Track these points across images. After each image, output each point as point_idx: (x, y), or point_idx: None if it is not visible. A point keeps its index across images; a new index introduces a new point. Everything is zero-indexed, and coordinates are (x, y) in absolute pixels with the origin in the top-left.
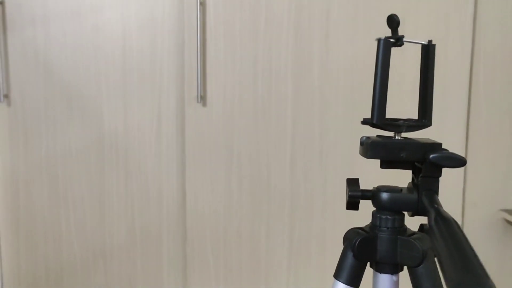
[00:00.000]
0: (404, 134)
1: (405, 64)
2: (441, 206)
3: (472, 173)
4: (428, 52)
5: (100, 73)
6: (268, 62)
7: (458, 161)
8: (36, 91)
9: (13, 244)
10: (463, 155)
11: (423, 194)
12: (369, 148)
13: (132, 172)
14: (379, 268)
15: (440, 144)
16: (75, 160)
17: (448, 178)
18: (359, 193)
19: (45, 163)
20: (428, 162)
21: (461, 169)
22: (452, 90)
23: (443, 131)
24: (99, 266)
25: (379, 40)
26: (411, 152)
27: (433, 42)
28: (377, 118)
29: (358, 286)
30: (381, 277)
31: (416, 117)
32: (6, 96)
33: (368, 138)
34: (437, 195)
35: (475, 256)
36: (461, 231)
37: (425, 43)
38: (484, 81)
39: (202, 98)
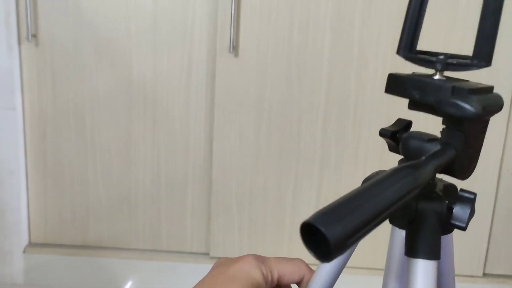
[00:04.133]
0: (450, 74)
1: None
2: (430, 164)
3: None
4: None
5: (130, 18)
6: (306, 12)
7: (461, 110)
8: (64, 32)
9: (40, 186)
10: (504, 122)
11: (439, 146)
12: (386, 82)
13: (159, 120)
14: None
15: (472, 88)
16: (102, 106)
17: (488, 143)
18: (389, 132)
19: (73, 107)
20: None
21: (502, 135)
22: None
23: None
24: (124, 213)
25: None
26: (424, 93)
27: None
28: (402, 49)
29: None
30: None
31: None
32: (34, 36)
33: (394, 73)
34: (456, 151)
35: (346, 199)
36: (386, 181)
37: None
38: None
39: (235, 49)
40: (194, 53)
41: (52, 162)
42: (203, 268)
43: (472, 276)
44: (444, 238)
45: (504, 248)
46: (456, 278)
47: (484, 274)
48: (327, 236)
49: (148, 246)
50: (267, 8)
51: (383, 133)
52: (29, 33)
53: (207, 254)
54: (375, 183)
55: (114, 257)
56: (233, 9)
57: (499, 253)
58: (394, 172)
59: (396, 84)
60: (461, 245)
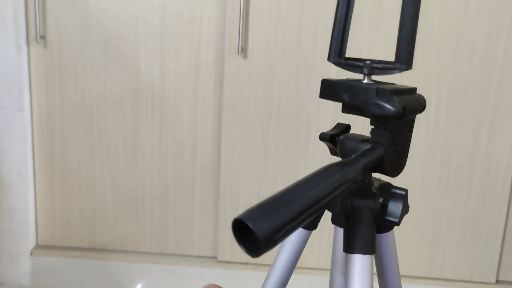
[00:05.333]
0: (378, 78)
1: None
2: (359, 161)
3: None
4: None
5: (138, 18)
6: (315, 13)
7: (383, 109)
8: (72, 33)
9: (48, 188)
10: None
11: (368, 145)
12: (320, 87)
13: (167, 121)
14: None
15: (395, 90)
16: (110, 106)
17: (500, 147)
18: (328, 136)
19: (80, 108)
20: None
21: None
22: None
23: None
24: (131, 215)
25: None
26: (352, 96)
27: None
28: (332, 55)
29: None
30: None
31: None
32: (43, 37)
33: (326, 79)
34: (384, 149)
35: (275, 195)
36: (316, 177)
37: None
38: None
39: (243, 50)
40: (202, 53)
41: (60, 163)
42: (211, 272)
43: (484, 283)
44: (384, 236)
45: None
46: (468, 285)
47: (497, 281)
48: (255, 231)
49: (155, 249)
50: (276, 9)
51: (323, 137)
52: (38, 34)
53: (215, 257)
54: (305, 180)
55: (121, 260)
56: (242, 10)
57: None
58: (324, 169)
59: (328, 89)
60: (473, 251)
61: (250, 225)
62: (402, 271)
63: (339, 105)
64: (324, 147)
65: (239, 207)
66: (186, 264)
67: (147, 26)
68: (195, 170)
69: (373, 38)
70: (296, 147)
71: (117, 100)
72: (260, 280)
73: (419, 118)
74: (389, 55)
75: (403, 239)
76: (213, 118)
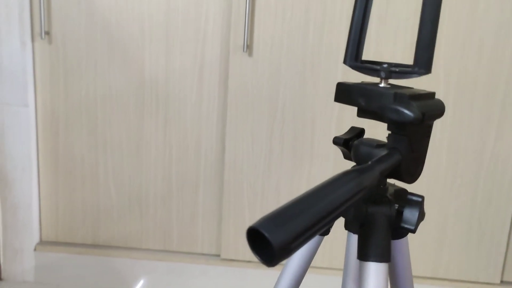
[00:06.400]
0: (396, 81)
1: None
2: (375, 168)
3: None
4: None
5: (143, 15)
6: (322, 11)
7: (402, 115)
8: (77, 30)
9: (52, 184)
10: None
11: (385, 152)
12: (335, 91)
13: (171, 119)
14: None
15: (413, 94)
16: (114, 104)
17: (506, 148)
18: (341, 140)
19: (85, 105)
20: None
21: None
22: None
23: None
24: (135, 212)
25: None
26: (369, 100)
27: None
28: (349, 58)
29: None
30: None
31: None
32: (48, 33)
33: (342, 82)
34: (402, 155)
35: (291, 203)
36: (331, 185)
37: None
38: None
39: (248, 48)
40: (207, 51)
41: (64, 160)
42: (214, 269)
43: (489, 284)
44: (398, 242)
45: None
46: (473, 285)
47: (502, 282)
48: (271, 240)
49: (158, 246)
50: (281, 6)
51: (336, 141)
52: (43, 30)
53: (218, 255)
54: (320, 188)
55: (124, 257)
56: (247, 7)
57: None
58: (339, 176)
59: (344, 93)
60: (478, 251)
61: (266, 235)
62: None
63: (345, 107)
64: (329, 146)
65: (243, 206)
66: (190, 261)
67: (152, 22)
68: (199, 168)
69: (381, 39)
70: (301, 146)
71: (121, 97)
72: (263, 278)
73: None
74: (395, 57)
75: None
76: (217, 116)
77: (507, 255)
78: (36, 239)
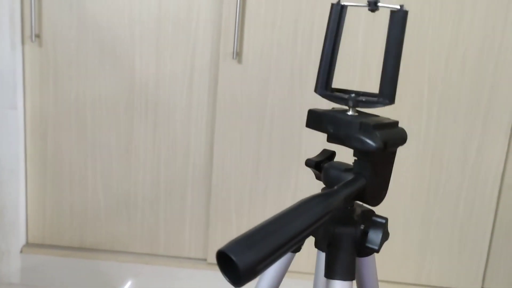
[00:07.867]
0: (365, 109)
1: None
2: (341, 193)
3: None
4: (396, 18)
5: (134, 20)
6: (310, 21)
7: (365, 144)
8: (68, 33)
9: (39, 187)
10: (506, 139)
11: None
12: (306, 117)
13: (160, 124)
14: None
15: (378, 124)
16: (104, 107)
17: (488, 158)
18: (313, 162)
19: (74, 108)
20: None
21: (503, 151)
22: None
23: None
24: (122, 215)
25: (332, 4)
26: (337, 127)
27: (405, 9)
28: (319, 87)
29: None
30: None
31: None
32: (38, 36)
33: (312, 109)
34: (366, 180)
35: (259, 227)
36: (299, 209)
37: (395, 8)
38: None
39: (238, 55)
40: (197, 57)
41: (52, 163)
42: (200, 273)
43: None
44: (365, 260)
45: (504, 263)
46: None
47: None
48: (237, 263)
49: (145, 249)
50: (271, 16)
51: (308, 163)
52: (33, 33)
53: (205, 259)
54: (288, 211)
55: (111, 260)
56: (237, 15)
57: (498, 267)
58: (307, 200)
59: (315, 120)
60: (460, 259)
61: (233, 257)
62: (390, 277)
63: None
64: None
65: (230, 210)
66: (176, 265)
67: (143, 28)
68: (187, 173)
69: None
70: (289, 152)
71: (111, 101)
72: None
73: (411, 128)
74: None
75: (391, 246)
76: (206, 122)
77: (488, 263)
78: (22, 241)
